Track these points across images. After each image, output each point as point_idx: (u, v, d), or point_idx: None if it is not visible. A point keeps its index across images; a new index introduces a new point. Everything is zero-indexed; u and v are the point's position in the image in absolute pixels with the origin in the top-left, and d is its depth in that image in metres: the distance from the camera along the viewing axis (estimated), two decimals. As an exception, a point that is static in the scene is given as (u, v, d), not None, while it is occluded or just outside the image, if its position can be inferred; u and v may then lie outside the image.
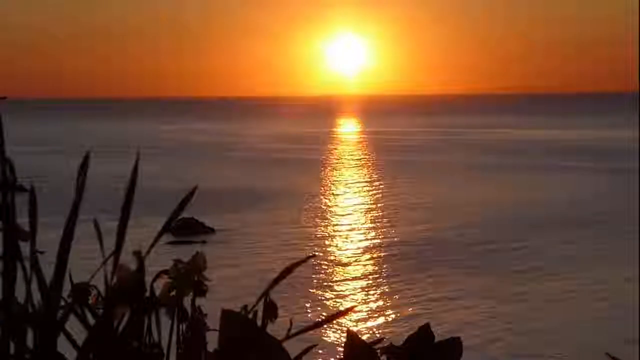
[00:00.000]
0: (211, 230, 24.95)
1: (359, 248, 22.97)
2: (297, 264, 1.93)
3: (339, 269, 20.28)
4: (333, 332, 14.11)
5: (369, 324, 15.66)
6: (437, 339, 2.16)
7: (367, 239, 24.37)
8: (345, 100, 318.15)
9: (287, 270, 1.94)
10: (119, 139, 68.71)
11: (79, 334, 1.87)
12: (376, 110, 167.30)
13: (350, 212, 29.70)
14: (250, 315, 2.00)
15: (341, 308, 16.02)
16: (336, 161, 51.39)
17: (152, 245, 1.85)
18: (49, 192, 24.31)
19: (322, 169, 45.64)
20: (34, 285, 1.81)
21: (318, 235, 24.77)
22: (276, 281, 1.95)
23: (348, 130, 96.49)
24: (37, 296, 1.81)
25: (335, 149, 62.86)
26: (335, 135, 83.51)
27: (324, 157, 54.24)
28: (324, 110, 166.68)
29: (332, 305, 16.75)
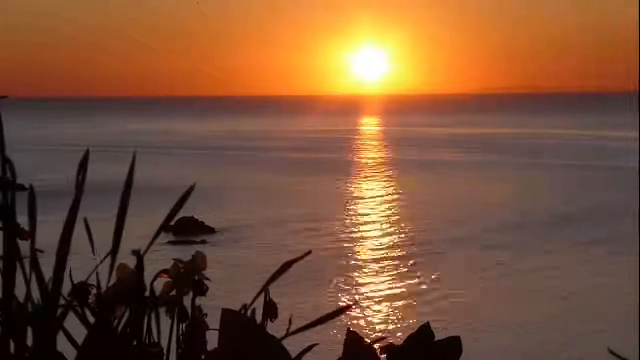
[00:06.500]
0: (211, 230, 24.93)
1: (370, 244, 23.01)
2: (295, 261, 1.93)
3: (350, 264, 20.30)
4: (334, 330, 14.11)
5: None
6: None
7: (373, 237, 24.40)
8: (369, 100, 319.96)
9: (286, 266, 1.94)
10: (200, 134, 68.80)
11: (79, 333, 1.87)
12: (396, 110, 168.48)
13: (358, 210, 29.71)
14: (250, 314, 2.00)
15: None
16: (352, 161, 51.31)
17: (150, 244, 1.85)
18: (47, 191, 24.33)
19: (341, 167, 45.53)
20: (34, 285, 1.81)
21: (327, 233, 24.77)
22: (274, 277, 1.95)
23: (369, 128, 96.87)
24: (37, 295, 1.81)
25: (357, 147, 62.86)
26: (358, 133, 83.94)
27: (342, 155, 54.22)
28: (350, 109, 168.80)
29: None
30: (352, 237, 24.58)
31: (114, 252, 1.83)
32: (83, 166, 1.81)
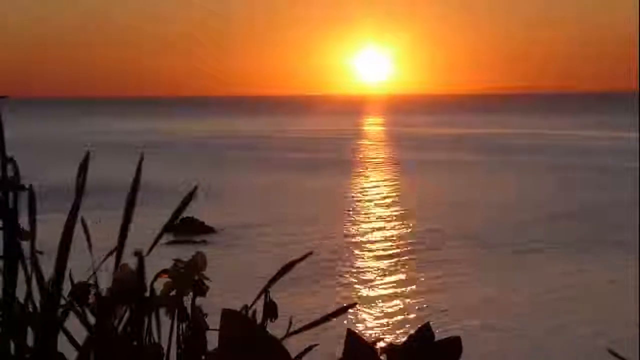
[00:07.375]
0: (211, 230, 24.92)
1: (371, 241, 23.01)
2: (296, 261, 1.93)
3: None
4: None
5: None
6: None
7: (371, 234, 24.40)
8: (371, 100, 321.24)
9: (286, 268, 1.94)
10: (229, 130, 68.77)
11: (79, 333, 1.87)
12: (398, 110, 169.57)
13: (356, 208, 29.70)
14: (251, 315, 2.00)
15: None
16: (352, 160, 51.22)
17: (153, 245, 1.85)
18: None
19: (341, 167, 45.43)
20: (34, 285, 1.81)
21: (324, 234, 24.76)
22: (275, 278, 1.95)
23: (370, 128, 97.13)
24: (37, 296, 1.81)
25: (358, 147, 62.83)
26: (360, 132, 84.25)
27: (342, 155, 54.17)
28: (352, 109, 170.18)
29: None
30: (353, 237, 24.57)
31: (119, 251, 1.83)
32: (83, 168, 1.81)
